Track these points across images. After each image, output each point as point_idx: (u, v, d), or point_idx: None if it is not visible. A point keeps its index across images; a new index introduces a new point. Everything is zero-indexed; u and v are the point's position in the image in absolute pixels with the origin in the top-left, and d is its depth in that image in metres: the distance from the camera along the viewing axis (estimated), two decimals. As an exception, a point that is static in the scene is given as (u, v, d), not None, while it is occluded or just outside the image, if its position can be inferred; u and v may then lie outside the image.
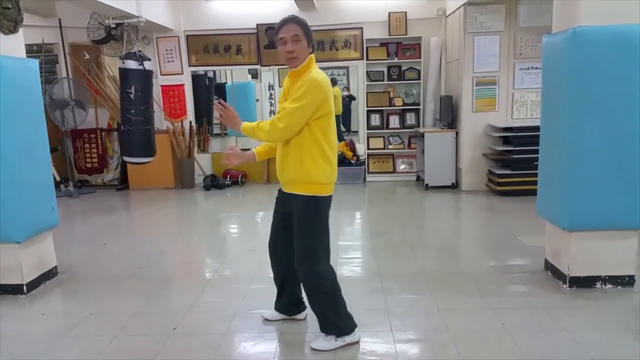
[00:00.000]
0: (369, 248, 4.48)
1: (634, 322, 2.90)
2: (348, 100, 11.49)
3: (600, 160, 3.16)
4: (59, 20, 7.31)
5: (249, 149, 2.83)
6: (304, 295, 2.91)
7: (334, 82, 10.74)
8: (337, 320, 2.71)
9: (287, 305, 3.03)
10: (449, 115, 6.82)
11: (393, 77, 7.49)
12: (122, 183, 7.66)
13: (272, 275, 3.77)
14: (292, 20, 2.54)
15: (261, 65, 7.68)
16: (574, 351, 2.59)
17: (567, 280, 3.37)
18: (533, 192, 5.83)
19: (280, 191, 2.79)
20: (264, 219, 5.61)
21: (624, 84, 3.06)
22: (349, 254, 4.35)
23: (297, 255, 2.66)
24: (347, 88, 11.82)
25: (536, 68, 6.38)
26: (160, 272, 4.12)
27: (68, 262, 4.23)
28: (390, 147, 7.61)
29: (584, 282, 3.36)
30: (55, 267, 3.95)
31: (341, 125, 11.38)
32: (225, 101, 9.82)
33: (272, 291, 3.09)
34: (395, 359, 2.59)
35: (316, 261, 2.63)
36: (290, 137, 2.53)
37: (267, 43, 7.43)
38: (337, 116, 13.01)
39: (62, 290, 3.73)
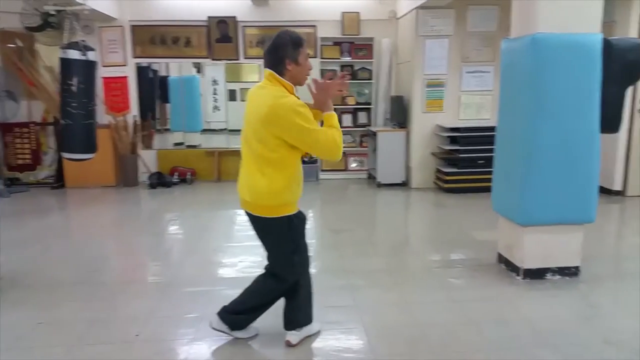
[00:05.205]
0: (331, 245, 4.49)
1: (583, 310, 3.13)
2: None
3: (553, 159, 3.37)
4: (-15, 3, 6.73)
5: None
6: None
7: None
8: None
9: None
10: (400, 115, 6.97)
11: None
12: (58, 181, 7.19)
13: (233, 276, 3.75)
14: None
15: (212, 59, 7.46)
16: (537, 339, 2.74)
17: (521, 272, 3.57)
18: (478, 189, 6.22)
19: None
20: (216, 219, 5.47)
21: (578, 87, 3.28)
22: (312, 251, 4.33)
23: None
24: None
25: (481, 72, 6.68)
26: (113, 276, 3.92)
27: (6, 267, 3.91)
28: (343, 145, 7.65)
29: (536, 274, 3.57)
30: (-6, 273, 3.65)
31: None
32: (168, 95, 9.43)
33: (237, 293, 2.98)
34: (370, 355, 2.62)
35: None
36: None
37: (220, 37, 7.26)
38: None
39: (3, 298, 3.41)
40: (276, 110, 2.33)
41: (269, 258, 2.69)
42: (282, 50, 2.41)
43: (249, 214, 2.57)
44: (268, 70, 2.46)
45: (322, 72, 7.48)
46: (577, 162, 3.38)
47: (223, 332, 2.74)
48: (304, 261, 2.71)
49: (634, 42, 3.47)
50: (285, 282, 2.66)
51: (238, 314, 2.72)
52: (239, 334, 2.76)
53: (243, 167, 2.55)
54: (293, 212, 2.53)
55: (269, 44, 2.46)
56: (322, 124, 2.49)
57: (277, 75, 2.43)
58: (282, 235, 2.55)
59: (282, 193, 2.44)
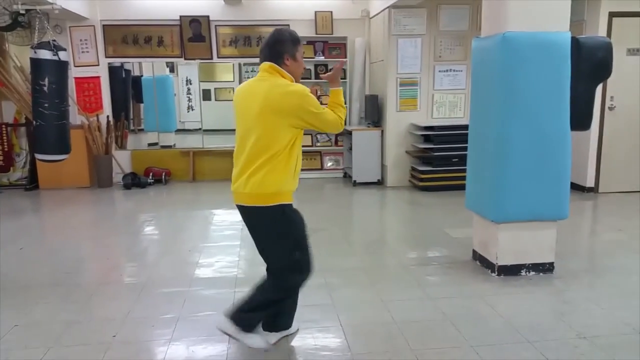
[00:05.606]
0: (307, 245, 4.51)
1: (557, 306, 3.21)
2: None
3: (525, 156, 3.43)
4: (-48, 2, 6.53)
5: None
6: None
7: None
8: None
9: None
10: (375, 114, 7.04)
11: (320, 75, 7.60)
12: (32, 182, 7.05)
13: (209, 276, 3.75)
14: None
15: (185, 58, 7.41)
16: (512, 335, 2.80)
17: (496, 269, 3.64)
18: (452, 187, 6.33)
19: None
20: (192, 219, 5.44)
21: (548, 85, 3.35)
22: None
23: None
24: None
25: (454, 70, 6.80)
26: (90, 278, 3.88)
27: (-21, 270, 3.83)
28: (318, 144, 7.72)
29: (511, 270, 3.64)
30: (-34, 277, 3.56)
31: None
32: (142, 95, 9.25)
33: (214, 293, 2.96)
34: (347, 353, 2.65)
35: None
36: None
37: (192, 36, 7.21)
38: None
39: (-23, 301, 3.36)
40: (288, 99, 2.37)
41: (266, 255, 2.63)
42: (281, 45, 2.45)
43: (243, 209, 2.53)
44: (267, 63, 2.46)
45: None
46: (549, 159, 3.45)
47: (228, 335, 2.58)
48: (306, 261, 2.69)
49: (602, 40, 3.54)
50: (278, 279, 2.61)
51: (247, 312, 2.60)
52: (249, 340, 2.60)
53: (240, 163, 2.50)
54: (287, 202, 2.53)
55: (267, 39, 2.48)
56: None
57: (278, 67, 2.45)
58: (275, 226, 2.52)
59: (280, 182, 2.45)
